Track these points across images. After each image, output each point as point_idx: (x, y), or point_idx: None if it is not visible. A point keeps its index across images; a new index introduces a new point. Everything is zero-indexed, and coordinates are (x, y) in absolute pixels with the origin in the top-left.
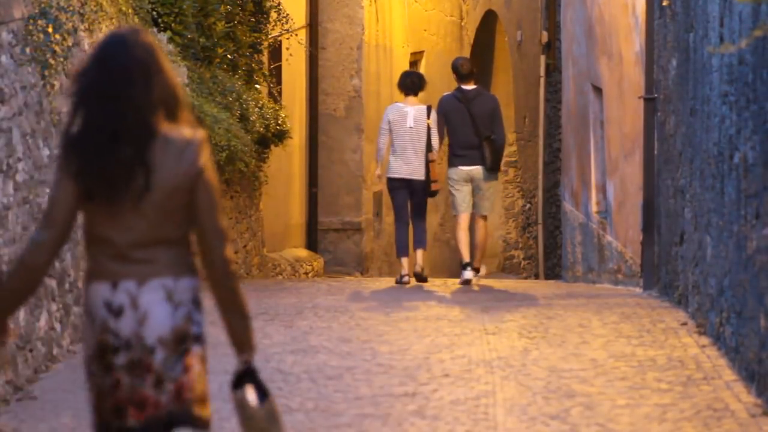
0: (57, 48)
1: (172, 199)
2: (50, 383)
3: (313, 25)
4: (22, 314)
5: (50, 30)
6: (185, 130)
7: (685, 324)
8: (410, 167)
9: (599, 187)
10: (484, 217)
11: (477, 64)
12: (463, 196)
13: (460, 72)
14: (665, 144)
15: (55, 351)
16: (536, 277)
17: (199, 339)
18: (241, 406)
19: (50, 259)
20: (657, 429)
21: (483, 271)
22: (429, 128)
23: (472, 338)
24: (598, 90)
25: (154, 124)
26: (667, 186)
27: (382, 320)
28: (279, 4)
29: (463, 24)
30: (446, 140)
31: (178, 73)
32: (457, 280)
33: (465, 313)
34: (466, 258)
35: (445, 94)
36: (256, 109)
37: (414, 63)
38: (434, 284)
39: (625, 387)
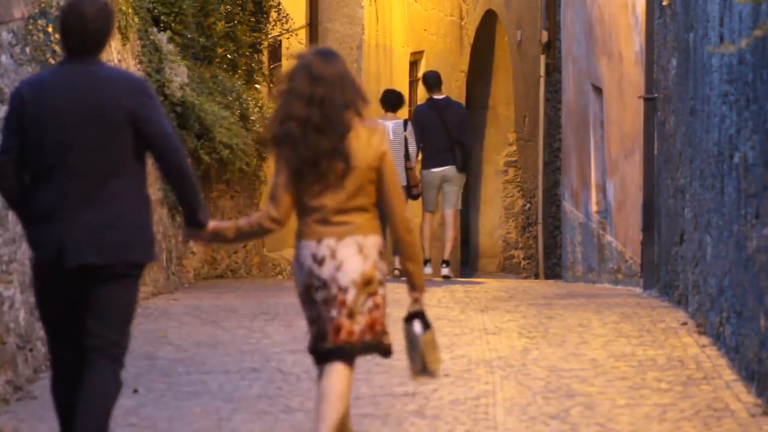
0: (57, 48)
1: (364, 176)
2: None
3: (313, 25)
4: (22, 314)
5: (50, 30)
6: (369, 122)
7: (685, 324)
8: None
9: (599, 187)
10: (454, 211)
11: (477, 64)
12: (432, 195)
13: (430, 83)
14: (665, 144)
15: None
16: (536, 276)
17: (382, 283)
18: (410, 334)
19: (278, 227)
20: (657, 429)
21: (449, 271)
22: (406, 139)
23: (472, 338)
24: (598, 90)
25: (348, 120)
26: (667, 186)
27: None
28: (279, 3)
29: (463, 24)
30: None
31: (178, 72)
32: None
33: (465, 313)
34: (428, 255)
35: (419, 104)
36: (256, 109)
37: (414, 63)
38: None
39: (625, 387)
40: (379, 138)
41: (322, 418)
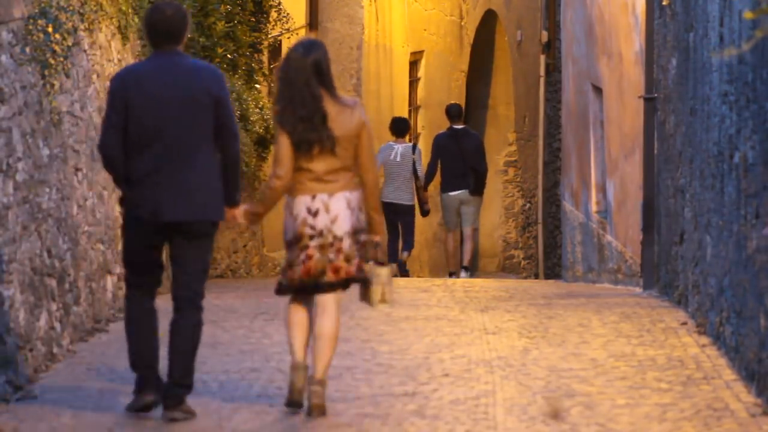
0: (57, 48)
1: (348, 142)
2: (50, 383)
3: (313, 25)
4: (22, 314)
5: (50, 30)
6: (347, 99)
7: (685, 324)
8: (396, 193)
9: (599, 187)
10: (472, 229)
11: (477, 63)
12: (451, 216)
13: (452, 114)
14: (665, 144)
15: (55, 350)
16: (536, 276)
17: (364, 230)
18: (371, 270)
19: (286, 186)
20: (657, 429)
21: (468, 275)
22: (414, 162)
23: (472, 338)
24: (598, 90)
25: (323, 108)
26: (667, 186)
27: (382, 320)
28: (279, 3)
29: (463, 24)
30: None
31: None
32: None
33: (465, 313)
34: (452, 268)
35: (440, 132)
36: (256, 110)
37: (414, 63)
38: (434, 283)
39: (625, 387)
40: (359, 111)
41: (320, 358)
